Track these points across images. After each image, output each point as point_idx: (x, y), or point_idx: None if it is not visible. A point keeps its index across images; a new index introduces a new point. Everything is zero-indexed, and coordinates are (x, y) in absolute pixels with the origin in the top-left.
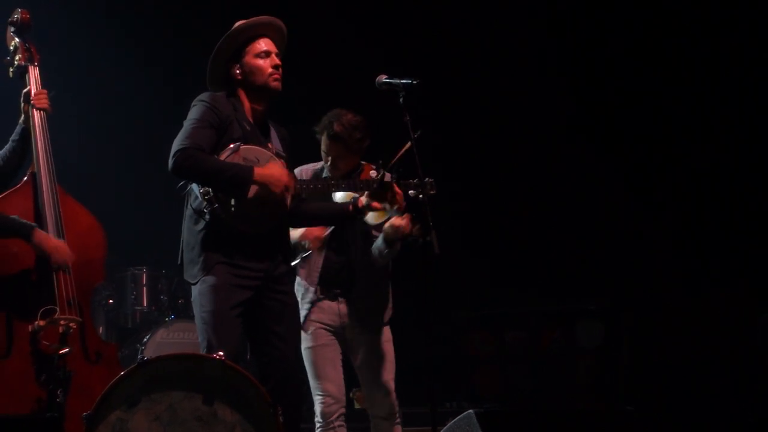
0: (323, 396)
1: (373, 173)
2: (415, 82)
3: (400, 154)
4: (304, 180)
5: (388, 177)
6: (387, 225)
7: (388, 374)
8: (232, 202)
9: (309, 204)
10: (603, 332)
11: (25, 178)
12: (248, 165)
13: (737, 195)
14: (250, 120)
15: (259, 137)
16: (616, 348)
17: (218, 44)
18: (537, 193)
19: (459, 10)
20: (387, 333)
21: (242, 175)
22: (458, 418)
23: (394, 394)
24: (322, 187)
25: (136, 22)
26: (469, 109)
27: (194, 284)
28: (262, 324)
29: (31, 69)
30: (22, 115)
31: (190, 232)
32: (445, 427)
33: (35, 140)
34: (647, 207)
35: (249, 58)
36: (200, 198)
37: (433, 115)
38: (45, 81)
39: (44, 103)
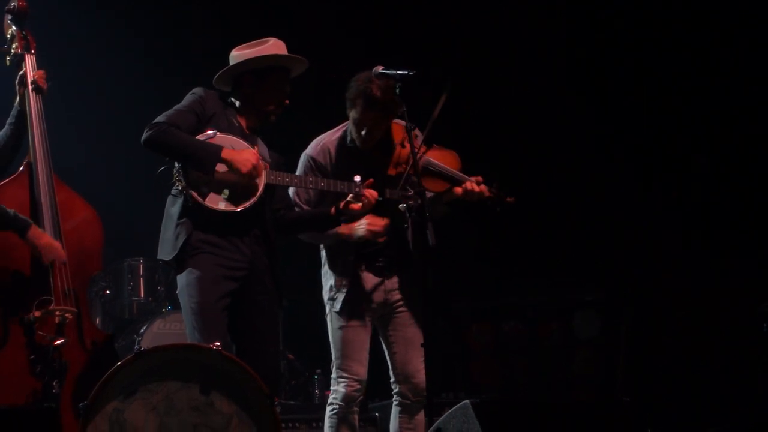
0: (350, 378)
1: (357, 178)
2: (411, 73)
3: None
4: (281, 174)
5: None
6: (459, 191)
7: (421, 353)
8: (201, 180)
9: (290, 212)
10: (600, 323)
11: (21, 168)
12: (218, 145)
13: (735, 185)
14: (240, 121)
15: (246, 136)
16: (614, 339)
17: (256, 55)
18: (534, 185)
19: (461, 5)
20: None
21: (209, 151)
22: (455, 408)
23: (424, 374)
24: (298, 182)
25: (135, 11)
26: (467, 100)
27: (167, 261)
28: (243, 318)
29: (27, 57)
30: (17, 98)
31: (167, 213)
32: (442, 417)
33: (32, 129)
34: (645, 198)
35: (271, 83)
36: (175, 179)
37: (430, 107)
38: (42, 69)
39: (43, 82)
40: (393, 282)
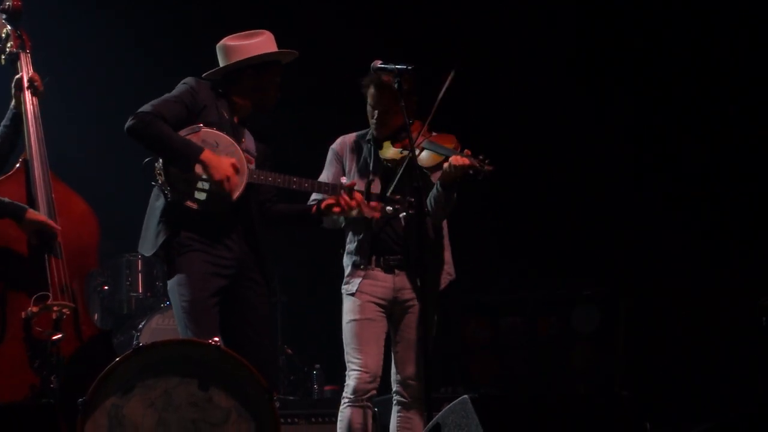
0: (360, 371)
1: (343, 179)
2: (409, 67)
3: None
4: (265, 173)
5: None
6: (446, 165)
7: (421, 355)
8: (181, 176)
9: (276, 206)
10: (599, 318)
11: (18, 165)
12: (201, 146)
13: (735, 179)
14: (231, 113)
15: (235, 129)
16: (612, 333)
17: (260, 51)
18: (532, 179)
19: (461, 3)
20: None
21: (190, 149)
22: (453, 403)
23: (422, 380)
24: (282, 181)
25: (135, 11)
26: (466, 93)
27: (147, 255)
28: (235, 314)
29: (22, 56)
30: (13, 101)
31: (151, 206)
32: (441, 413)
33: (28, 127)
34: (643, 192)
35: (267, 77)
36: (156, 173)
37: (427, 100)
38: (37, 68)
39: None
40: (403, 281)
